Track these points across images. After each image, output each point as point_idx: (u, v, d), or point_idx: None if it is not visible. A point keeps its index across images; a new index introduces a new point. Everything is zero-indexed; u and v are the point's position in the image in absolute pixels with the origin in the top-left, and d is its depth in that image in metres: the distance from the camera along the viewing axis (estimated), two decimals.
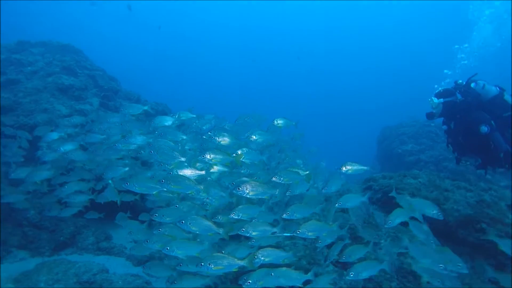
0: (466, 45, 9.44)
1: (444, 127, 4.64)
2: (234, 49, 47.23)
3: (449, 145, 4.64)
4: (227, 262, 2.52)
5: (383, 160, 10.85)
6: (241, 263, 2.54)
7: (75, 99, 6.71)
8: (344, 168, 3.20)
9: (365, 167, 3.26)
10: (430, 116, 4.55)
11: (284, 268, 2.60)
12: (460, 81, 4.59)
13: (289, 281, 2.59)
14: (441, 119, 4.67)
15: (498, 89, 4.37)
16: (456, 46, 9.52)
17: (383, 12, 39.37)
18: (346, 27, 43.13)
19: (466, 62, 9.22)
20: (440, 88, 4.61)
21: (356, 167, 3.21)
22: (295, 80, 44.88)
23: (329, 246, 3.55)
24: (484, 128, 3.99)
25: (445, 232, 3.64)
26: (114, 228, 5.66)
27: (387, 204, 4.10)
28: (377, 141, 11.46)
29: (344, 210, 3.75)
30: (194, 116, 4.31)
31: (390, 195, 3.00)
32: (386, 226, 2.77)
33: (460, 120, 4.35)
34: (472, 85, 4.37)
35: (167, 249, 2.67)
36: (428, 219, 2.65)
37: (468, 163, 4.61)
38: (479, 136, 4.05)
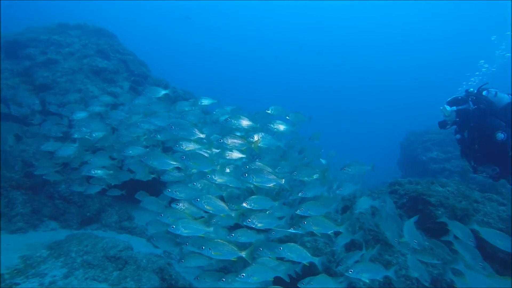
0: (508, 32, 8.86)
1: (458, 136, 4.52)
2: (259, 45, 47.35)
3: (463, 155, 4.54)
4: (227, 250, 2.62)
5: (405, 166, 10.65)
6: (241, 254, 2.63)
7: (107, 81, 6.93)
8: (346, 169, 3.23)
9: (367, 166, 3.28)
10: (442, 124, 4.47)
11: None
12: (471, 89, 4.49)
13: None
14: (453, 128, 4.55)
15: (510, 97, 4.27)
16: (494, 37, 9.02)
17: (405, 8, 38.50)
18: (373, 23, 42.37)
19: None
20: (451, 97, 4.55)
21: (358, 166, 3.24)
22: (317, 77, 44.51)
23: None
24: (500, 135, 3.90)
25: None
26: (136, 209, 5.87)
27: (412, 210, 4.06)
28: (401, 146, 11.24)
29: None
30: (216, 101, 4.35)
31: (439, 220, 2.95)
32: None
33: (474, 128, 4.25)
34: (484, 93, 4.29)
35: (172, 227, 2.74)
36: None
37: (484, 173, 4.43)
38: (496, 143, 3.95)
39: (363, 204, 3.30)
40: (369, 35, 43.31)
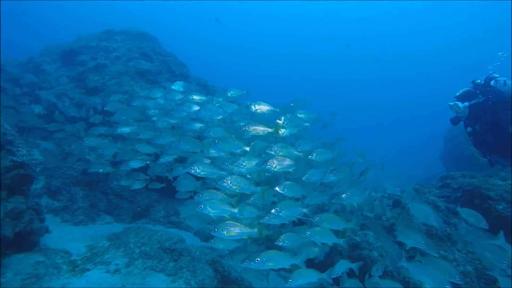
0: None
1: (469, 129, 4.43)
2: (287, 42, 47.39)
3: (476, 148, 4.53)
4: (239, 230, 2.72)
5: (448, 160, 10.13)
6: (251, 231, 2.73)
7: (151, 82, 7.27)
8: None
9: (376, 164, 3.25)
10: (455, 121, 4.47)
11: None
12: (479, 80, 4.44)
13: None
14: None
15: None
16: None
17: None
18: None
19: None
20: (460, 91, 4.52)
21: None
22: (347, 69, 43.65)
23: None
24: None
25: None
26: (181, 205, 6.10)
27: (467, 204, 3.87)
28: (445, 140, 10.69)
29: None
30: (244, 91, 4.44)
31: None
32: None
33: (487, 122, 4.19)
34: (492, 83, 4.20)
35: (201, 207, 2.85)
36: None
37: (500, 165, 4.54)
38: (509, 137, 3.95)
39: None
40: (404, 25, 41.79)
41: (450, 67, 38.20)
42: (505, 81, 4.18)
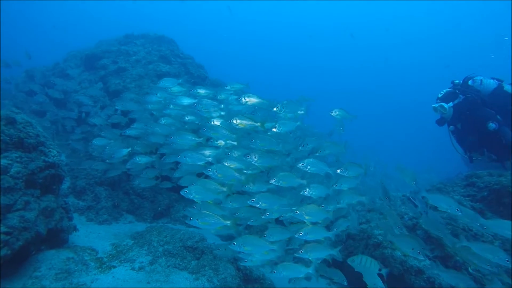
0: None
1: (451, 127, 4.67)
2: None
3: (459, 145, 4.75)
4: (213, 220, 2.79)
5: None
6: (226, 223, 2.80)
7: None
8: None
9: (361, 169, 3.21)
10: (441, 122, 4.67)
11: None
12: (457, 81, 4.64)
13: None
14: None
15: (496, 81, 4.38)
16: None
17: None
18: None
19: None
20: (441, 92, 4.69)
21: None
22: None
23: None
24: (491, 125, 4.08)
25: None
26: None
27: (495, 203, 3.76)
28: None
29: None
30: (245, 85, 4.52)
31: None
32: None
33: (466, 119, 4.41)
34: (470, 82, 4.43)
35: (186, 191, 2.93)
36: None
37: (481, 161, 4.66)
38: (488, 133, 4.15)
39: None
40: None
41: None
42: (481, 80, 4.40)
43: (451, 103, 4.49)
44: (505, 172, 3.97)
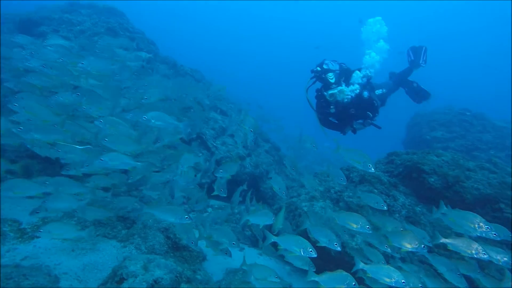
0: None
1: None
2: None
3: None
4: (121, 161, 2.96)
5: (409, 146, 10.63)
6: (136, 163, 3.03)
7: None
8: None
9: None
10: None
11: None
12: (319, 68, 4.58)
13: None
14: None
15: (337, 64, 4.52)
16: None
17: None
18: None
19: None
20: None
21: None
22: None
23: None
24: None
25: (462, 210, 3.70)
26: None
27: (406, 178, 4.18)
28: (407, 127, 11.21)
29: None
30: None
31: None
32: None
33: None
34: (324, 66, 4.44)
35: (101, 160, 2.97)
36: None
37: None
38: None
39: None
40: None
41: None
42: (327, 63, 4.48)
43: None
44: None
